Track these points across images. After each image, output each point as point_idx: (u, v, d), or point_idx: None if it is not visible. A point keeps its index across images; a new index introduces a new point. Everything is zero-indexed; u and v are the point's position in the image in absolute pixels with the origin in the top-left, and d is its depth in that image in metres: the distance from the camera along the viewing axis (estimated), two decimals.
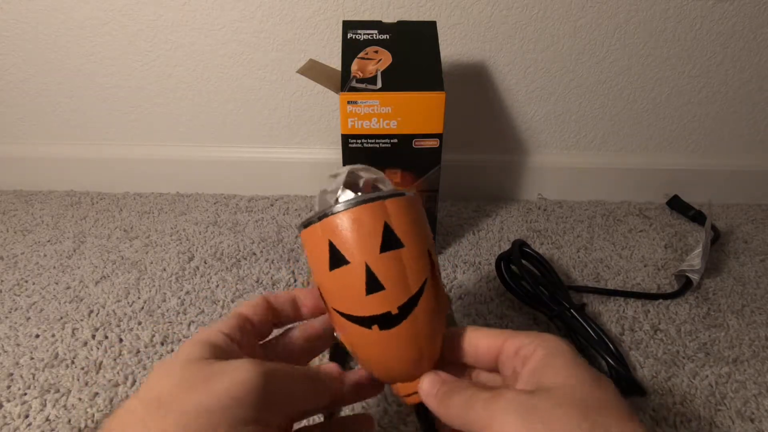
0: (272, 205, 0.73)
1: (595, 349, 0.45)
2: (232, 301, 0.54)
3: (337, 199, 0.30)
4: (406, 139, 0.53)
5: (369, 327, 0.27)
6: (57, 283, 0.57)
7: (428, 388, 0.27)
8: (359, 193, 0.31)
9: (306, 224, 0.29)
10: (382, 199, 0.28)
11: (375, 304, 0.27)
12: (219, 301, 0.54)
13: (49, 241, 0.64)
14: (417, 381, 0.28)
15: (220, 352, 0.25)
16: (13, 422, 0.40)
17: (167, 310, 0.52)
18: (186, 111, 0.72)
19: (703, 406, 0.42)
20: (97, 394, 0.43)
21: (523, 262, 0.53)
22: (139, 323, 0.51)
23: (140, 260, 0.60)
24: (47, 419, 0.41)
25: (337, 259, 0.27)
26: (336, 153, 0.73)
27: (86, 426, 0.40)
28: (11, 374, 0.45)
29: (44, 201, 0.74)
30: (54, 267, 0.59)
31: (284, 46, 0.67)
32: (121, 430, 0.22)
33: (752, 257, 0.62)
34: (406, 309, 0.27)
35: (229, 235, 0.66)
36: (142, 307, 0.53)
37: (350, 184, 0.32)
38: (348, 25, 0.55)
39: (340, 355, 0.44)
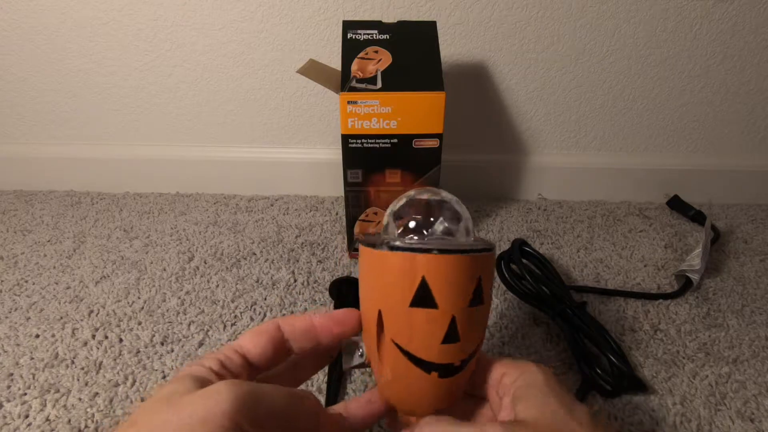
0: (272, 205, 0.73)
1: (597, 346, 0.45)
2: (232, 301, 0.54)
3: (432, 232, 0.28)
4: (406, 139, 0.53)
5: (428, 372, 0.27)
6: (57, 283, 0.57)
7: None
8: (457, 234, 0.29)
9: (394, 247, 0.27)
10: (484, 252, 0.27)
11: (446, 354, 0.27)
12: (219, 301, 0.54)
13: (49, 241, 0.64)
14: None
15: (202, 385, 0.24)
16: (13, 422, 0.40)
17: (167, 310, 0.52)
18: (186, 111, 0.72)
19: (703, 406, 0.42)
20: (97, 394, 0.43)
21: (524, 261, 0.53)
22: (139, 323, 0.51)
23: (140, 260, 0.60)
24: (47, 419, 0.41)
25: (424, 299, 0.26)
26: (336, 153, 0.73)
27: (86, 426, 0.40)
28: (11, 374, 0.45)
29: (44, 201, 0.74)
30: (54, 267, 0.59)
31: (284, 46, 0.67)
32: None
33: (752, 257, 0.62)
34: (465, 362, 0.27)
35: (229, 235, 0.66)
36: (142, 307, 0.53)
37: (439, 214, 0.30)
38: (348, 25, 0.55)
39: (335, 384, 0.43)
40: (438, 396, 0.28)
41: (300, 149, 0.74)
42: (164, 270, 0.59)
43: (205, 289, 0.56)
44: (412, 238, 0.28)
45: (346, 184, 0.56)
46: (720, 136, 0.73)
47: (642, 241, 0.65)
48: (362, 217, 0.58)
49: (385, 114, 0.51)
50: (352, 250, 0.61)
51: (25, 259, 0.61)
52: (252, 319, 0.51)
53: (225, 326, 0.50)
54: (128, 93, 0.70)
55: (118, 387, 0.44)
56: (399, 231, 0.29)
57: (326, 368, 0.44)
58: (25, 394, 0.43)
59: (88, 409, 0.42)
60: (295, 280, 0.57)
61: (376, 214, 0.58)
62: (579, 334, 0.46)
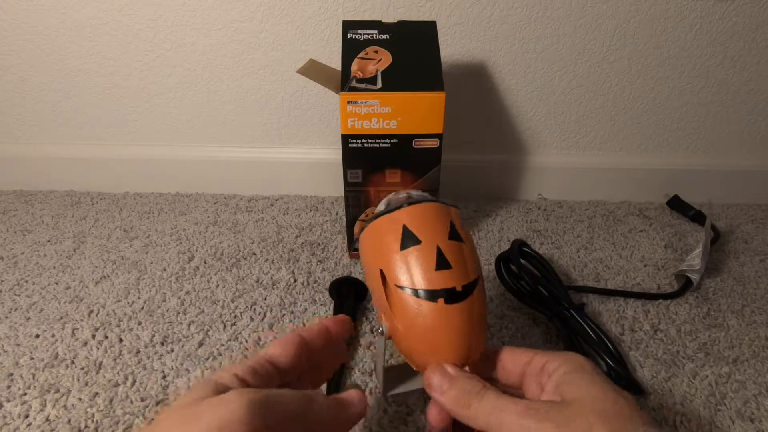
0: (272, 205, 0.73)
1: (594, 349, 0.45)
2: (232, 301, 0.54)
3: (408, 200, 0.34)
4: (406, 139, 0.53)
5: (435, 300, 0.30)
6: (57, 283, 0.57)
7: (438, 383, 0.29)
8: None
9: (379, 214, 0.33)
10: (447, 205, 0.34)
11: (443, 279, 0.30)
12: (219, 301, 0.54)
13: (49, 241, 0.64)
14: None
15: (222, 392, 0.25)
16: (13, 422, 0.40)
17: (167, 310, 0.52)
18: (186, 111, 0.72)
19: (703, 406, 0.42)
20: (97, 394, 0.43)
21: (523, 262, 0.53)
22: (139, 323, 0.51)
23: (140, 260, 0.60)
24: (47, 419, 0.41)
25: (409, 240, 0.31)
26: (336, 153, 0.73)
27: (86, 426, 0.40)
28: (11, 374, 0.45)
29: (44, 201, 0.74)
30: (54, 267, 0.59)
31: (284, 46, 0.67)
32: None
33: (752, 257, 0.62)
34: (468, 289, 0.30)
35: (229, 235, 0.66)
36: (142, 307, 0.53)
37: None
38: (348, 25, 0.55)
39: (335, 376, 0.44)
40: (454, 330, 0.30)
41: (300, 149, 0.74)
42: (164, 270, 0.59)
43: (205, 289, 0.56)
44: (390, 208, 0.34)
45: (346, 184, 0.56)
46: (720, 136, 0.73)
47: (642, 241, 0.65)
48: (362, 217, 0.58)
49: (385, 114, 0.51)
50: (352, 250, 0.61)
51: (25, 259, 0.61)
52: (252, 319, 0.51)
53: (225, 326, 0.50)
54: (128, 93, 0.70)
55: (118, 387, 0.44)
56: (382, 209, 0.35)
57: None
58: (25, 394, 0.43)
59: (88, 409, 0.42)
60: (295, 280, 0.57)
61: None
62: (576, 337, 0.46)
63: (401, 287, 0.30)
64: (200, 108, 0.71)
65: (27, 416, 0.41)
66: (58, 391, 0.43)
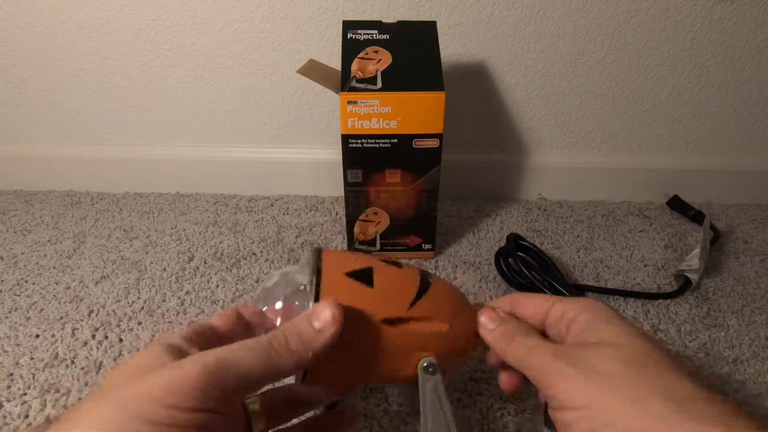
0: (272, 205, 0.73)
1: None
2: (232, 301, 0.54)
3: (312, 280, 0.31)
4: (406, 139, 0.53)
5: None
6: (57, 283, 0.57)
7: (486, 322, 0.31)
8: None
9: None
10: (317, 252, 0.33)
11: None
12: (219, 301, 0.54)
13: (49, 241, 0.64)
14: None
15: (175, 352, 0.25)
16: (13, 422, 0.40)
17: (167, 310, 0.52)
18: (186, 111, 0.72)
19: None
20: None
21: (520, 254, 0.53)
22: (139, 323, 0.51)
23: (140, 260, 0.60)
24: (47, 419, 0.41)
25: (366, 279, 0.30)
26: (336, 153, 0.73)
27: None
28: (11, 374, 0.45)
29: (44, 201, 0.74)
30: (54, 267, 0.59)
31: (284, 46, 0.67)
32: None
33: (752, 257, 0.62)
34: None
35: (229, 235, 0.66)
36: (142, 307, 0.53)
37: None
38: (348, 25, 0.55)
39: None
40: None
41: (300, 149, 0.74)
42: (164, 270, 0.59)
43: (205, 289, 0.56)
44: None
45: (346, 184, 0.56)
46: (720, 136, 0.73)
47: (642, 241, 0.65)
48: (362, 217, 0.58)
49: (385, 114, 0.51)
50: (353, 250, 0.61)
51: (25, 259, 0.61)
52: None
53: None
54: (128, 93, 0.70)
55: None
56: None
57: None
58: (25, 394, 0.43)
59: None
60: None
61: (376, 214, 0.58)
62: None
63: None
64: (200, 108, 0.71)
65: (27, 416, 0.41)
66: (58, 391, 0.43)
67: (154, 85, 0.70)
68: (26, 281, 0.57)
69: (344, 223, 0.67)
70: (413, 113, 0.51)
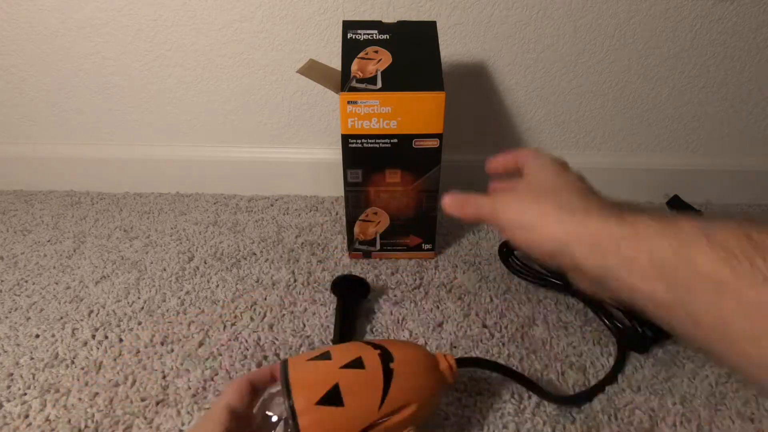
0: (272, 205, 0.73)
1: (608, 310, 0.49)
2: (232, 301, 0.54)
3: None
4: (406, 139, 0.53)
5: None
6: (57, 283, 0.57)
7: (448, 201, 0.38)
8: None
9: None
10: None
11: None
12: (219, 301, 0.54)
13: (49, 241, 0.64)
14: None
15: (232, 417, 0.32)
16: (13, 422, 0.40)
17: (167, 310, 0.52)
18: (186, 111, 0.72)
19: (703, 406, 0.42)
20: (97, 394, 0.43)
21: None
22: (139, 323, 0.51)
23: (140, 260, 0.60)
24: (47, 419, 0.41)
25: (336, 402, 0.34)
26: (336, 153, 0.73)
27: (86, 426, 0.40)
28: (11, 374, 0.45)
29: (44, 201, 0.74)
30: (54, 267, 0.59)
31: (284, 46, 0.67)
32: None
33: None
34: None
35: (229, 235, 0.66)
36: (142, 307, 0.53)
37: None
38: (348, 25, 0.55)
39: (347, 323, 0.50)
40: None
41: (300, 149, 0.74)
42: (164, 270, 0.59)
43: (205, 289, 0.56)
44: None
45: (346, 184, 0.56)
46: (720, 136, 0.73)
47: None
48: (362, 217, 0.58)
49: (385, 114, 0.51)
50: (352, 250, 0.61)
51: (25, 259, 0.61)
52: (252, 319, 0.51)
53: (225, 326, 0.50)
54: (128, 93, 0.70)
55: (118, 387, 0.44)
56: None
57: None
58: (25, 394, 0.43)
59: (88, 409, 0.42)
60: (295, 280, 0.57)
61: (375, 214, 0.58)
62: (600, 302, 0.50)
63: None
64: (200, 108, 0.71)
65: (27, 416, 0.41)
66: (58, 391, 0.43)
67: (154, 85, 0.70)
68: (26, 281, 0.57)
69: (344, 223, 0.67)
70: (413, 113, 0.51)
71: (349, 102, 0.51)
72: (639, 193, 0.75)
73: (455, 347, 0.48)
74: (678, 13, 0.64)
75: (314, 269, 0.59)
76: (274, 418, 0.33)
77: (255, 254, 0.62)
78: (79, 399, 0.42)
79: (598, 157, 0.74)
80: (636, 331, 0.47)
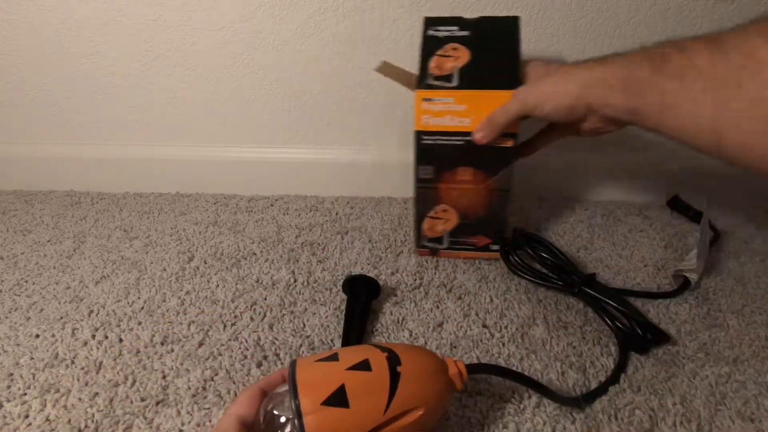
0: (272, 205, 0.73)
1: (618, 309, 0.50)
2: (232, 301, 0.54)
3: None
4: None
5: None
6: (57, 283, 0.57)
7: (478, 128, 0.50)
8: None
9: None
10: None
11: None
12: (219, 301, 0.54)
13: (49, 241, 0.64)
14: None
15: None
16: (13, 422, 0.40)
17: (167, 310, 0.52)
18: (186, 111, 0.72)
19: (703, 406, 0.42)
20: (97, 394, 0.43)
21: (527, 248, 0.56)
22: (139, 323, 0.51)
23: (140, 260, 0.60)
24: (47, 419, 0.41)
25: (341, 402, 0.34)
26: (335, 153, 0.73)
27: (86, 426, 0.40)
28: (11, 374, 0.45)
29: (44, 201, 0.74)
30: (54, 267, 0.59)
31: (284, 46, 0.67)
32: None
33: (752, 257, 0.62)
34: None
35: (229, 235, 0.66)
36: (142, 307, 0.53)
37: None
38: (429, 22, 0.55)
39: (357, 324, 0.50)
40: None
41: (300, 149, 0.74)
42: (164, 270, 0.59)
43: (205, 289, 0.56)
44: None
45: (417, 180, 0.55)
46: None
47: (642, 241, 0.65)
48: (431, 214, 0.58)
49: (459, 111, 0.51)
50: (420, 246, 0.60)
51: (25, 259, 0.61)
52: (252, 319, 0.51)
53: (225, 326, 0.50)
54: (128, 93, 0.70)
55: (118, 387, 0.44)
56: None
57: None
58: (25, 394, 0.43)
59: (88, 409, 0.42)
60: (295, 280, 0.57)
61: (445, 211, 0.57)
62: (601, 303, 0.50)
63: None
64: (200, 108, 0.71)
65: (27, 416, 0.41)
66: (58, 391, 0.43)
67: (154, 85, 0.70)
68: (26, 281, 0.57)
69: (343, 223, 0.67)
70: (488, 111, 0.51)
71: (424, 99, 0.51)
72: (639, 193, 0.75)
73: (455, 347, 0.48)
74: (678, 13, 0.64)
75: (314, 269, 0.59)
76: (282, 418, 0.33)
77: (255, 254, 0.62)
78: (79, 399, 0.42)
79: (598, 157, 0.74)
80: (635, 331, 0.47)
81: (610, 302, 0.50)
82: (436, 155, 0.54)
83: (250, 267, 0.59)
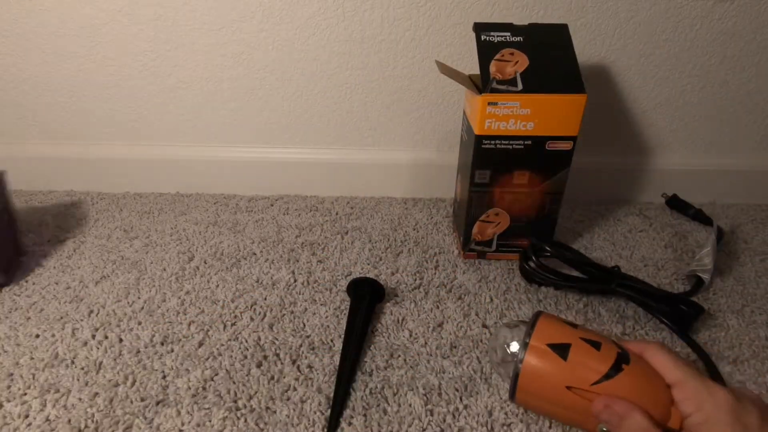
0: (272, 205, 0.73)
1: (652, 296, 0.51)
2: (232, 301, 0.54)
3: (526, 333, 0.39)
4: (540, 141, 0.53)
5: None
6: (57, 283, 0.57)
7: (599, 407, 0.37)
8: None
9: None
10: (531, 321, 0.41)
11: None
12: (219, 301, 0.54)
13: (49, 241, 0.64)
14: None
15: None
16: (13, 422, 0.40)
17: (167, 310, 0.52)
18: (186, 111, 0.72)
19: None
20: (97, 394, 0.43)
21: (546, 255, 0.55)
22: (139, 323, 0.51)
23: (140, 260, 0.60)
24: (47, 419, 0.41)
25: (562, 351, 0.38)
26: (335, 153, 0.73)
27: (86, 426, 0.40)
28: (11, 374, 0.45)
29: (44, 201, 0.74)
30: (54, 267, 0.59)
31: (284, 46, 0.67)
32: None
33: (752, 257, 0.62)
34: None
35: (229, 235, 0.66)
36: (142, 307, 0.53)
37: None
38: (480, 27, 0.55)
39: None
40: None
41: (300, 149, 0.74)
42: (164, 270, 0.59)
43: (205, 289, 0.56)
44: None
45: (472, 184, 0.55)
46: (720, 136, 0.73)
47: (642, 241, 0.65)
48: (483, 217, 0.58)
49: (523, 116, 0.51)
50: (468, 250, 0.60)
51: (25, 259, 0.61)
52: (252, 319, 0.51)
53: (225, 326, 0.50)
54: (128, 93, 0.70)
55: (118, 387, 0.44)
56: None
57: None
58: (25, 394, 0.43)
59: (88, 409, 0.42)
60: (295, 280, 0.57)
61: (497, 215, 0.57)
62: (637, 293, 0.52)
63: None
64: (200, 108, 0.71)
65: (27, 416, 0.41)
66: (58, 391, 0.43)
67: (154, 85, 0.70)
68: (26, 281, 0.57)
69: (344, 223, 0.67)
70: (551, 115, 0.51)
71: (489, 103, 0.50)
72: (639, 193, 0.75)
73: (455, 347, 0.48)
74: (678, 13, 0.64)
75: (314, 269, 0.59)
76: (513, 347, 0.39)
77: (255, 254, 0.62)
78: (79, 399, 0.42)
79: (598, 157, 0.74)
80: (679, 309, 0.50)
81: (649, 290, 0.51)
82: (493, 160, 0.54)
83: (250, 267, 0.59)
